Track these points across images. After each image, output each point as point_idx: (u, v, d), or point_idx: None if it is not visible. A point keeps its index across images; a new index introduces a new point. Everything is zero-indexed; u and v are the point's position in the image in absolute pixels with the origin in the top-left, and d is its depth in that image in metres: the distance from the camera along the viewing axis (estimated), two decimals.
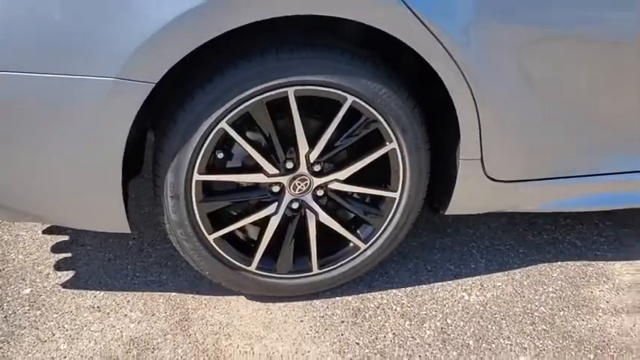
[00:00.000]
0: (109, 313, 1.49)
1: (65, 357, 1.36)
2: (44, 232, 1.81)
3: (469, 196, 1.52)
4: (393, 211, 1.49)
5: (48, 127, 1.22)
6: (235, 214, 1.49)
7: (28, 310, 1.49)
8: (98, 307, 1.51)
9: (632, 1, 1.34)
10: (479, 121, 1.39)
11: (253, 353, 1.39)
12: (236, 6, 1.15)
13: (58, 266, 1.66)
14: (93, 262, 1.68)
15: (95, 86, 1.17)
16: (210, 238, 1.42)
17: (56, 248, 1.73)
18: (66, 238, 1.78)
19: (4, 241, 1.76)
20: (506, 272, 1.69)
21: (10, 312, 1.48)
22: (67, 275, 1.62)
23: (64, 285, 1.58)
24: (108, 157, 1.26)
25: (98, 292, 1.56)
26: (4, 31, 1.14)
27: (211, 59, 1.27)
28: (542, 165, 1.53)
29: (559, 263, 1.74)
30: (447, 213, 1.54)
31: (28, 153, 1.25)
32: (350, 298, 1.57)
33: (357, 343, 1.42)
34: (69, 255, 1.70)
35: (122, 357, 1.37)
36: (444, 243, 1.80)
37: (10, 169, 1.27)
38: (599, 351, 1.43)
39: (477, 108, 1.36)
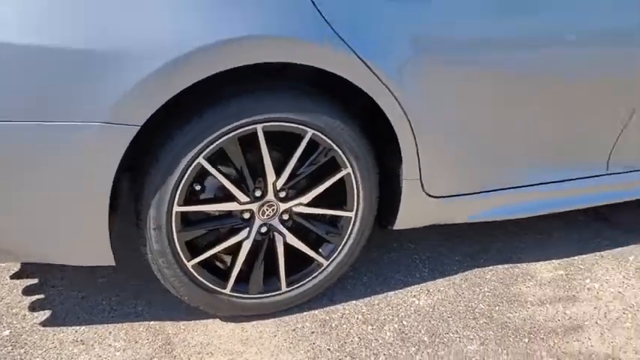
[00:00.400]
0: (93, 345, 1.58)
1: None
2: (12, 277, 1.86)
3: (412, 211, 1.76)
4: (349, 229, 1.70)
5: (41, 169, 1.33)
6: (206, 243, 1.63)
7: (11, 349, 1.55)
8: (81, 340, 1.59)
9: (536, 48, 1.65)
10: (417, 147, 1.63)
11: (241, 357, 1.52)
12: (200, 63, 1.32)
13: (33, 307, 1.72)
14: (67, 300, 1.75)
15: (86, 130, 1.31)
16: (189, 264, 1.56)
17: (27, 291, 1.79)
18: (35, 280, 1.84)
19: None
20: (447, 278, 1.92)
21: None
22: (44, 315, 1.69)
23: (43, 324, 1.65)
24: (97, 195, 1.38)
25: (78, 327, 1.64)
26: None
27: (190, 103, 1.43)
28: (470, 182, 1.79)
29: (490, 267, 1.99)
30: (394, 228, 1.77)
31: (22, 194, 1.35)
32: (316, 311, 1.74)
33: (329, 349, 1.59)
34: (42, 296, 1.77)
35: None
36: (391, 257, 2.02)
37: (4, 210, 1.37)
38: (531, 335, 1.67)
39: (414, 136, 1.61)
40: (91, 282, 1.84)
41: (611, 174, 2.00)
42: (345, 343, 1.61)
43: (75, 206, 1.39)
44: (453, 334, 1.67)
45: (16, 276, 1.86)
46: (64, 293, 1.78)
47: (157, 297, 1.77)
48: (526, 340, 1.65)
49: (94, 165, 1.35)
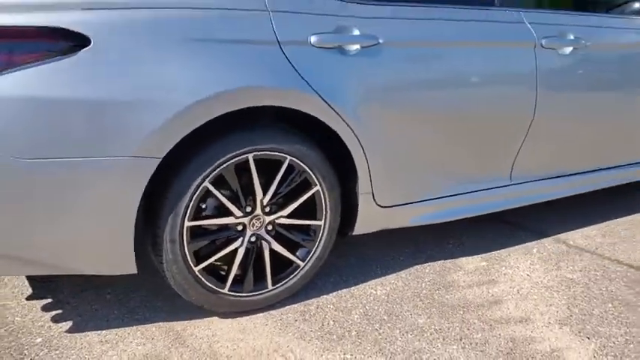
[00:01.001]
0: (117, 343, 1.89)
1: None
2: (27, 298, 2.13)
3: (366, 219, 2.22)
4: (320, 235, 2.13)
5: (83, 195, 1.68)
6: (208, 251, 2.01)
7: (47, 352, 1.84)
8: (105, 340, 1.91)
9: (449, 92, 2.19)
10: (369, 167, 2.11)
11: (241, 348, 1.89)
12: (205, 109, 1.74)
13: (55, 319, 2.01)
14: (84, 313, 2.05)
15: (120, 163, 1.68)
16: (196, 270, 1.93)
17: (46, 308, 2.08)
18: (49, 300, 2.13)
19: None
20: (396, 273, 2.38)
21: (33, 355, 1.82)
22: (67, 324, 1.98)
23: (69, 331, 1.95)
24: (126, 215, 1.74)
25: (99, 331, 1.95)
26: (49, 129, 1.62)
27: (198, 138, 1.83)
28: (409, 193, 2.28)
29: (428, 263, 2.48)
30: (354, 234, 2.22)
31: (66, 215, 1.69)
32: (296, 305, 2.13)
33: (311, 330, 1.99)
34: (60, 311, 2.06)
35: None
36: (351, 262, 2.46)
37: (47, 229, 1.70)
38: (465, 309, 2.15)
39: (366, 158, 2.08)
40: (100, 297, 2.15)
41: (513, 184, 2.56)
42: (323, 325, 2.02)
43: (107, 225, 1.74)
44: (405, 312, 2.11)
45: (31, 297, 2.14)
46: (79, 308, 2.08)
47: (161, 305, 2.11)
48: (461, 312, 2.12)
49: (125, 190, 1.72)
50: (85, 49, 1.63)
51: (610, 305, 2.20)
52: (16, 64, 1.58)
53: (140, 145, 1.69)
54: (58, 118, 1.63)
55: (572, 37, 2.47)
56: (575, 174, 2.74)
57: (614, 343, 1.97)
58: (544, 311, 2.15)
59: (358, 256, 2.51)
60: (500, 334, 2.00)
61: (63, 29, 1.62)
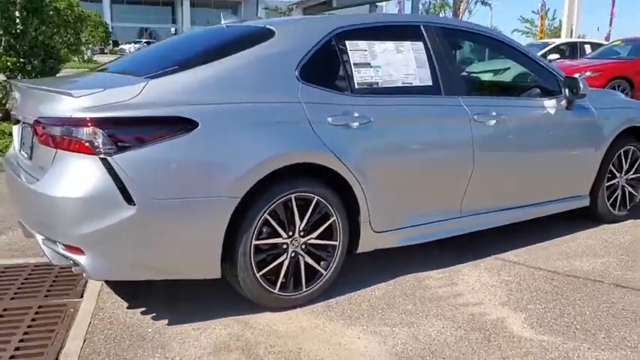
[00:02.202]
0: (205, 329, 2.74)
1: (202, 347, 2.59)
2: (131, 305, 2.96)
3: (366, 241, 3.18)
4: (336, 251, 3.07)
5: (190, 222, 2.60)
6: (262, 264, 2.91)
7: (159, 336, 2.67)
8: (197, 327, 2.75)
9: (418, 154, 3.25)
10: (367, 204, 3.10)
11: (292, 327, 2.77)
12: (267, 165, 2.72)
13: (156, 317, 2.84)
14: (176, 311, 2.89)
15: (216, 201, 2.62)
16: (258, 275, 2.83)
17: (147, 309, 2.90)
18: (148, 303, 2.96)
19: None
20: (386, 282, 3.32)
21: (150, 337, 2.65)
22: (166, 319, 2.82)
23: (169, 323, 2.78)
24: (218, 236, 2.66)
25: (190, 323, 2.79)
26: (173, 179, 2.55)
27: (264, 185, 2.77)
28: (394, 222, 3.27)
29: (408, 274, 3.43)
30: (357, 252, 3.18)
31: (179, 236, 2.60)
32: (322, 302, 3.04)
33: (336, 316, 2.90)
34: (157, 311, 2.89)
35: (233, 345, 2.64)
36: (354, 275, 3.39)
37: (169, 245, 2.59)
38: (438, 299, 3.10)
39: (365, 198, 3.08)
40: (185, 299, 3.00)
41: (463, 216, 3.59)
42: (343, 312, 2.94)
43: (205, 243, 2.66)
44: (398, 303, 3.05)
45: (134, 304, 2.96)
46: (172, 307, 2.92)
47: (228, 303, 2.97)
48: (436, 301, 3.08)
49: (218, 218, 2.65)
50: (195, 130, 2.60)
51: (535, 293, 3.21)
52: (154, 140, 2.54)
53: (228, 190, 2.64)
54: (178, 172, 2.57)
55: (494, 114, 3.60)
56: (504, 209, 3.81)
57: (537, 313, 2.97)
58: (490, 299, 3.14)
59: (356, 271, 3.44)
60: (463, 312, 2.97)
61: (182, 117, 2.59)
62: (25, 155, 2.99)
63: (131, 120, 2.53)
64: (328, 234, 3.05)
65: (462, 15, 20.68)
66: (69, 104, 2.54)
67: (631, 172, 4.52)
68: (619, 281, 3.39)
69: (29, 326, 2.77)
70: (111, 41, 38.05)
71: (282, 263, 2.92)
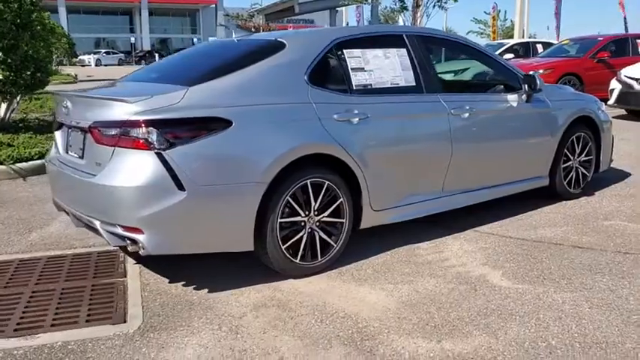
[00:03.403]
0: (241, 294, 3.28)
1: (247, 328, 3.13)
2: (173, 279, 3.47)
3: (366, 218, 3.77)
4: (344, 227, 3.65)
5: (230, 203, 3.14)
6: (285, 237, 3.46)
7: (205, 301, 3.20)
8: (233, 293, 3.28)
9: (409, 143, 3.86)
10: (367, 186, 3.69)
11: (313, 288, 3.33)
12: (287, 156, 3.28)
13: (198, 287, 3.36)
14: (212, 280, 3.41)
15: (251, 185, 3.17)
16: (283, 248, 3.38)
17: (188, 282, 3.42)
18: (189, 277, 3.47)
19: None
20: (384, 252, 3.91)
21: (196, 303, 3.17)
22: (206, 289, 3.34)
23: (209, 291, 3.30)
24: (251, 215, 3.21)
25: (228, 290, 3.32)
26: (214, 168, 3.09)
27: (286, 172, 3.32)
28: (389, 202, 3.87)
29: (402, 247, 4.03)
30: (360, 228, 3.76)
31: (220, 214, 3.14)
32: (334, 270, 3.61)
33: (347, 279, 3.47)
34: (197, 283, 3.41)
35: (269, 303, 3.19)
36: (358, 246, 3.96)
37: (211, 223, 3.13)
38: (429, 263, 3.71)
39: (366, 182, 3.67)
40: (220, 269, 3.52)
41: (445, 196, 4.22)
42: (353, 276, 3.52)
43: (241, 220, 3.20)
44: (397, 268, 3.64)
45: (176, 277, 3.47)
46: (209, 278, 3.44)
47: (255, 272, 3.50)
48: (427, 265, 3.69)
49: (251, 201, 3.20)
50: (230, 128, 3.15)
51: (508, 255, 3.86)
52: (198, 136, 3.08)
53: (258, 176, 3.20)
54: (218, 163, 3.12)
55: (467, 107, 4.24)
56: (478, 189, 4.45)
57: (511, 270, 3.61)
58: (472, 261, 3.77)
59: (357, 244, 4.03)
60: (451, 271, 3.59)
61: (219, 117, 3.14)
62: (76, 155, 3.48)
63: (179, 120, 3.07)
64: (337, 213, 3.62)
65: (421, 19, 21.53)
66: (125, 109, 3.06)
67: (582, 155, 5.24)
68: (576, 244, 4.07)
69: (91, 299, 3.26)
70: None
71: (301, 238, 3.47)
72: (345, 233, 3.67)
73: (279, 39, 3.74)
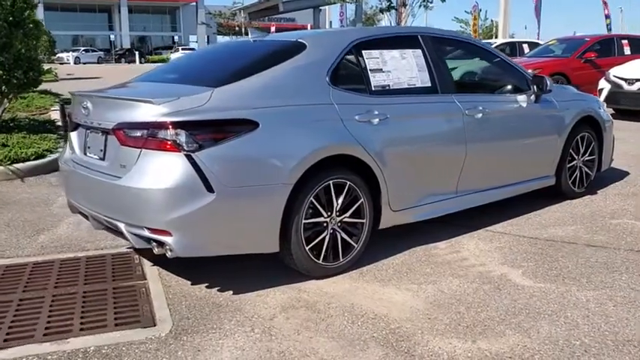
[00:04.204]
0: (267, 295, 3.27)
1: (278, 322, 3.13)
2: (195, 281, 3.44)
3: (386, 219, 3.79)
4: (364, 227, 3.66)
5: (257, 205, 3.13)
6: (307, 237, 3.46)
7: (231, 303, 3.18)
8: (258, 295, 3.27)
9: (426, 143, 3.88)
10: (387, 187, 3.71)
11: (337, 289, 3.34)
12: (311, 158, 3.28)
13: (222, 289, 3.34)
14: (238, 282, 3.40)
15: (278, 186, 3.16)
16: (307, 249, 3.38)
17: (211, 284, 3.40)
18: (212, 279, 3.45)
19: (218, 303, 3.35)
20: (402, 252, 3.93)
21: (224, 304, 3.15)
22: (231, 290, 3.32)
23: (234, 292, 3.29)
24: (277, 216, 3.20)
25: (253, 292, 3.31)
26: (242, 170, 3.08)
27: (310, 173, 3.32)
28: (408, 201, 3.89)
29: (418, 246, 4.06)
30: (379, 228, 3.77)
31: (248, 216, 3.12)
32: (354, 271, 3.61)
33: (369, 279, 3.48)
34: (222, 285, 3.39)
35: (296, 304, 3.18)
36: (377, 247, 3.98)
37: (239, 224, 3.12)
38: (449, 263, 3.74)
39: (385, 181, 3.68)
40: (244, 271, 3.50)
41: (458, 196, 4.25)
42: (375, 276, 3.53)
43: (268, 222, 3.19)
44: (417, 267, 3.66)
45: (197, 280, 3.45)
46: (234, 280, 3.43)
47: (278, 274, 3.50)
48: (448, 265, 3.71)
49: (277, 202, 3.19)
50: (257, 129, 3.13)
51: (524, 254, 3.90)
52: (226, 138, 3.06)
53: (284, 178, 3.19)
54: (246, 164, 3.11)
55: (480, 108, 4.28)
56: (490, 189, 4.50)
57: (530, 269, 3.65)
58: (491, 260, 3.81)
59: (377, 244, 4.04)
60: (472, 271, 3.62)
61: (246, 119, 3.12)
62: (96, 157, 3.43)
63: (207, 122, 3.05)
64: (357, 214, 3.63)
65: (407, 19, 21.65)
66: (152, 110, 3.03)
67: (586, 155, 5.32)
68: (589, 242, 4.13)
69: (115, 302, 3.22)
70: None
71: (323, 238, 3.47)
72: (366, 233, 3.68)
73: (299, 40, 3.74)
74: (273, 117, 3.23)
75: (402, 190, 3.83)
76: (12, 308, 3.17)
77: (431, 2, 20.24)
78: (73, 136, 3.75)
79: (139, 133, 3.07)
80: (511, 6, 25.03)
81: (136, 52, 53.53)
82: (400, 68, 3.94)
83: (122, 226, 3.18)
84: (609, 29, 30.95)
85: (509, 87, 4.73)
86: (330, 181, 3.43)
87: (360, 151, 3.52)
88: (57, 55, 48.56)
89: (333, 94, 3.53)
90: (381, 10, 19.20)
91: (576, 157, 5.22)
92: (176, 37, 69.40)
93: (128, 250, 4.09)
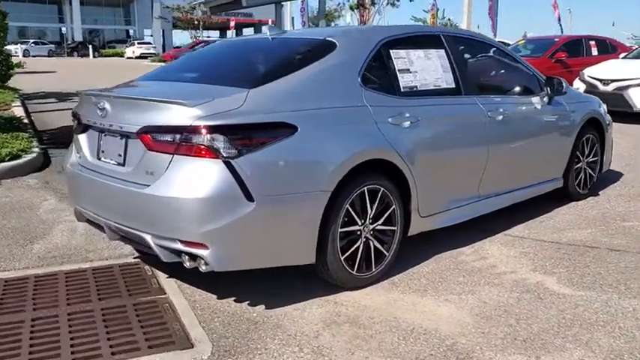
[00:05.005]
0: (304, 309, 3.07)
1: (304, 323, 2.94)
2: (222, 296, 3.22)
3: (415, 225, 3.64)
4: (395, 235, 3.50)
5: (295, 214, 2.93)
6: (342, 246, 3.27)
7: (267, 318, 2.97)
8: (296, 308, 3.07)
9: (453, 146, 3.75)
10: (417, 192, 3.56)
11: (374, 300, 3.17)
12: (349, 163, 3.10)
13: (255, 303, 3.13)
14: (272, 296, 3.19)
15: (315, 194, 2.97)
16: (342, 259, 3.20)
17: (243, 297, 3.18)
18: (247, 292, 3.23)
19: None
20: (427, 260, 3.80)
21: (258, 320, 2.95)
22: (264, 304, 3.11)
23: (268, 307, 3.08)
24: (315, 225, 3.01)
25: (290, 305, 3.11)
26: (281, 178, 2.88)
27: (346, 180, 3.14)
28: (435, 207, 3.76)
29: (444, 252, 3.93)
30: (409, 235, 3.63)
31: (286, 225, 2.92)
32: (386, 280, 3.46)
33: (403, 289, 3.33)
34: (256, 298, 3.18)
35: (338, 319, 3.00)
36: (406, 255, 3.83)
37: (279, 234, 2.91)
38: (479, 271, 3.63)
39: (415, 186, 3.54)
40: (279, 285, 3.30)
41: (480, 200, 4.15)
42: (409, 286, 3.38)
43: (306, 232, 3.00)
44: (449, 276, 3.53)
45: (225, 294, 3.22)
46: (270, 293, 3.22)
47: (311, 286, 3.31)
48: (478, 272, 3.60)
49: (316, 210, 3.00)
50: (296, 133, 2.93)
51: (552, 260, 3.83)
52: (265, 143, 2.85)
53: (323, 184, 3.00)
54: (285, 171, 2.91)
55: (501, 110, 4.19)
56: (509, 192, 4.41)
57: (564, 275, 3.57)
58: (520, 267, 3.71)
59: (402, 252, 3.89)
60: (506, 279, 3.51)
61: (285, 123, 2.91)
62: (113, 162, 3.16)
63: (246, 126, 2.82)
64: (389, 221, 3.47)
65: (373, 17, 21.63)
66: (185, 113, 2.79)
67: (590, 156, 5.32)
68: (610, 246, 4.09)
69: (140, 321, 2.96)
70: None
71: (357, 248, 3.30)
72: (397, 241, 3.53)
73: (328, 38, 3.54)
74: (311, 120, 3.04)
75: (431, 195, 3.69)
76: (26, 329, 2.88)
77: (398, 0, 20.29)
78: (82, 138, 3.45)
79: (170, 138, 2.82)
80: (473, 6, 25.35)
81: (90, 46, 51.80)
82: (426, 69, 3.79)
83: (148, 238, 2.93)
84: (562, 31, 31.78)
85: (523, 88, 4.64)
86: (365, 188, 3.26)
87: (394, 156, 3.36)
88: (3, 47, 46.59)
89: (365, 95, 3.35)
90: (351, 8, 19.09)
91: (582, 159, 5.20)
92: (131, 31, 67.59)
93: (135, 260, 3.83)
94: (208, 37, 47.88)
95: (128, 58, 48.55)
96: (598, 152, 5.41)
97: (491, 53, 4.54)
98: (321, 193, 3.00)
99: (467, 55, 4.22)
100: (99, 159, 3.29)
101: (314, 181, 2.98)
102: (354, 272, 3.29)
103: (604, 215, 4.85)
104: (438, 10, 44.24)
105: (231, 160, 2.75)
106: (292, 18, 38.07)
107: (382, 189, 3.35)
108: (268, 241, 2.93)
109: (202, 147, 2.75)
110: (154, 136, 2.87)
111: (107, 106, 3.13)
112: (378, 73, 3.58)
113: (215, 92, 3.00)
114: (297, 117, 2.97)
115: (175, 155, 2.81)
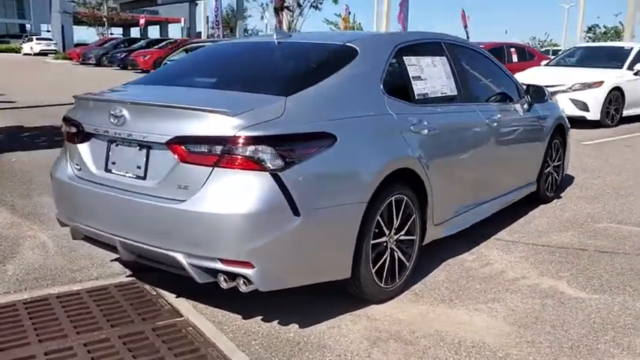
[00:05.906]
0: (338, 325, 2.95)
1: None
2: (248, 314, 3.02)
3: (430, 233, 3.61)
4: (415, 244, 3.45)
5: (336, 227, 2.81)
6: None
7: (298, 333, 2.82)
8: (328, 326, 2.94)
9: (462, 155, 3.76)
10: (432, 199, 3.53)
11: (406, 313, 3.10)
12: (381, 173, 3.02)
13: (286, 322, 2.96)
14: (301, 313, 3.03)
15: (352, 206, 2.86)
16: (373, 271, 3.10)
17: (271, 315, 3.00)
18: (278, 310, 3.04)
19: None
20: (437, 268, 3.78)
21: (291, 337, 2.79)
22: (296, 323, 2.95)
23: (301, 326, 2.93)
24: (352, 237, 2.90)
25: (321, 323, 2.97)
26: (323, 190, 2.74)
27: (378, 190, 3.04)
28: (445, 215, 3.75)
29: (450, 258, 3.93)
30: (424, 243, 3.59)
31: (329, 239, 2.79)
32: (407, 291, 3.40)
33: (426, 299, 3.29)
34: (286, 315, 3.00)
35: (380, 336, 2.90)
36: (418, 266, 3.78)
37: (318, 252, 2.77)
38: (489, 278, 3.65)
39: (432, 193, 3.51)
40: (288, 314, 3.13)
41: (477, 206, 4.20)
42: (431, 296, 3.34)
43: (345, 245, 2.88)
44: (464, 283, 3.53)
45: (256, 313, 3.03)
46: (287, 320, 3.05)
47: (341, 300, 3.18)
48: (491, 279, 3.63)
49: (355, 222, 2.89)
50: (336, 143, 2.80)
51: (552, 264, 3.93)
52: (310, 154, 2.71)
53: (360, 196, 2.90)
54: (328, 183, 2.78)
55: (496, 117, 4.26)
56: (499, 196, 4.50)
57: (572, 279, 3.68)
58: (528, 272, 3.78)
59: (422, 259, 3.85)
60: (522, 285, 3.56)
61: (326, 132, 2.78)
62: (129, 175, 2.88)
63: (290, 137, 2.66)
64: (409, 230, 3.41)
65: (295, 21, 21.56)
66: (226, 123, 2.58)
67: (555, 160, 5.55)
68: (598, 248, 4.27)
69: (169, 348, 2.71)
70: None
71: (385, 259, 3.22)
72: (416, 251, 3.48)
73: (348, 44, 3.42)
74: (347, 129, 2.92)
75: (442, 202, 3.67)
76: None
77: (321, 3, 20.42)
78: (82, 148, 3.11)
79: (208, 149, 2.60)
80: (382, 11, 26.00)
81: None
82: (433, 76, 3.78)
83: (180, 258, 2.69)
84: (468, 37, 33.37)
85: (509, 95, 4.76)
86: (392, 198, 3.18)
87: (417, 164, 3.32)
88: None
89: (388, 103, 3.28)
90: (276, 10, 18.96)
91: (550, 163, 5.42)
92: (27, 26, 63.40)
93: (130, 279, 3.53)
94: (112, 34, 45.72)
95: (26, 54, 45.50)
96: (562, 156, 5.65)
97: (480, 61, 4.61)
98: (360, 204, 2.89)
99: (462, 63, 4.25)
100: (108, 171, 2.98)
101: (353, 192, 2.87)
102: (382, 285, 3.20)
103: (576, 217, 5.06)
104: (349, 14, 45.04)
105: (278, 173, 2.58)
106: (207, 17, 37.28)
107: (406, 198, 3.29)
108: (310, 257, 2.78)
109: (247, 159, 2.56)
110: (188, 147, 2.63)
111: (125, 113, 2.84)
112: (396, 81, 3.52)
113: (251, 100, 2.81)
114: (335, 126, 2.85)
115: (216, 168, 2.59)
